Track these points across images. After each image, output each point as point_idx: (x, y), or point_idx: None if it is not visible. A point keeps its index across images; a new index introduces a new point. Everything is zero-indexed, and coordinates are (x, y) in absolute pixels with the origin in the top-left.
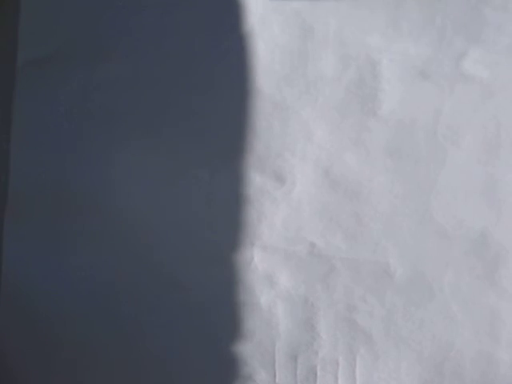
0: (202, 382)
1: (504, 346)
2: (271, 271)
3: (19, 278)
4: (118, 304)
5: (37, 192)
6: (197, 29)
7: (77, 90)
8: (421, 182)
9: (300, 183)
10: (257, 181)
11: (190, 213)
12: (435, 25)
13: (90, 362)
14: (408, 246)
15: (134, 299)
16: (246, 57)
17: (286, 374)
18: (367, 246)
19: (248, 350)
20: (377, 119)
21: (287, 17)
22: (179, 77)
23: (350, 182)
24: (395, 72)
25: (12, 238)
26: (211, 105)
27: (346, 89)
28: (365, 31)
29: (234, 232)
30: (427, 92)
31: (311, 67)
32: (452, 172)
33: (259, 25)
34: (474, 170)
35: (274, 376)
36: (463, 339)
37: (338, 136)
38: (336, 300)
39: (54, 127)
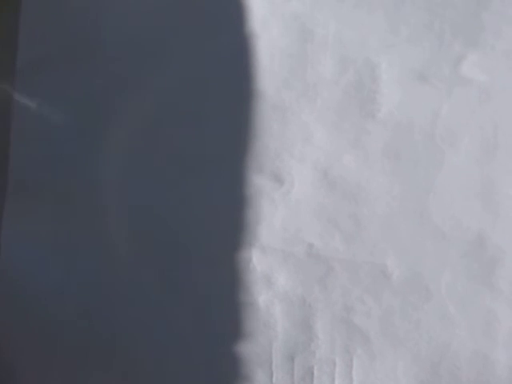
0: (199, 381)
1: (500, 346)
2: (269, 272)
3: (18, 276)
4: (116, 303)
5: (37, 190)
6: (196, 30)
7: (76, 91)
8: (419, 184)
9: (298, 184)
10: (255, 182)
11: (188, 213)
12: (434, 29)
13: (89, 361)
14: (405, 248)
15: (133, 299)
16: (245, 59)
17: (282, 374)
18: (365, 248)
19: (245, 350)
20: (375, 122)
21: (287, 20)
22: (178, 78)
23: (349, 183)
24: (394, 75)
25: (11, 235)
26: (210, 106)
27: (345, 91)
28: (364, 35)
29: (232, 233)
30: (425, 95)
31: (310, 70)
32: (449, 174)
33: (259, 28)
34: (472, 172)
35: (271, 376)
36: (460, 340)
37: (336, 138)
38: (333, 301)
39: (54, 128)
